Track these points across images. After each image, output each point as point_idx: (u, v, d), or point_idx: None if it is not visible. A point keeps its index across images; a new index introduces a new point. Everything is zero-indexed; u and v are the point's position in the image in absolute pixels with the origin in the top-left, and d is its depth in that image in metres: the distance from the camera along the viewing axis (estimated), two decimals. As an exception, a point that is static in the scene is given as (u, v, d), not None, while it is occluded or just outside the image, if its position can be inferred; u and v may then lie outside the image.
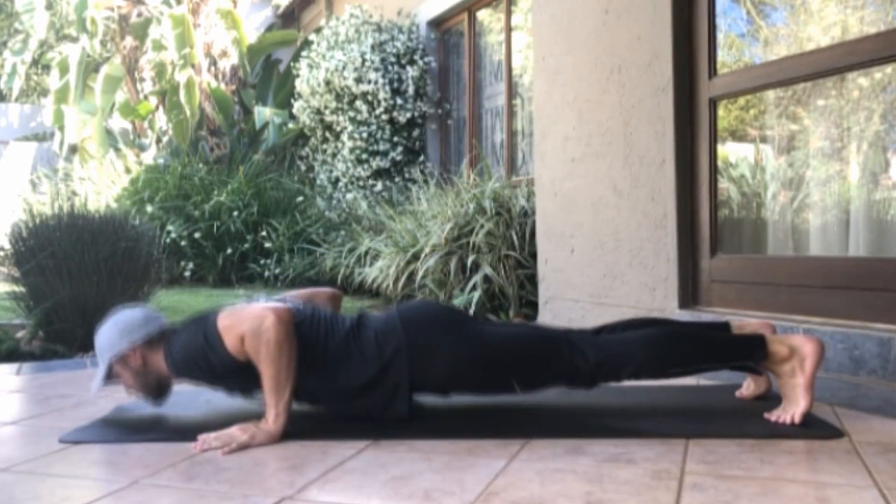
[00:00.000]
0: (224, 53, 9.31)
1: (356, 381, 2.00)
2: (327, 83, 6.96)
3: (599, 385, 2.07)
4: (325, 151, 7.58)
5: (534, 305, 4.29)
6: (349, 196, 6.93)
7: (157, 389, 2.15)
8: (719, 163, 3.25)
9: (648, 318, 2.34)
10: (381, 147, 6.83)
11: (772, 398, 2.18)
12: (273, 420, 1.89)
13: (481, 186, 4.84)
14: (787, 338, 2.00)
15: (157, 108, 9.69)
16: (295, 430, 1.94)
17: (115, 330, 2.11)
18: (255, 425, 1.89)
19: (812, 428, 1.88)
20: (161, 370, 2.09)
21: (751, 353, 2.01)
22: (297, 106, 7.61)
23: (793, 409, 1.93)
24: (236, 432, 1.87)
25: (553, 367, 2.04)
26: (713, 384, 2.46)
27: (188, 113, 8.51)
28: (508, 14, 5.87)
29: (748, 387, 2.26)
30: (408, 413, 2.02)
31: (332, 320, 2.09)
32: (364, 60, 6.67)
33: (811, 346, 1.94)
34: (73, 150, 9.86)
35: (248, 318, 1.90)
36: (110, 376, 2.12)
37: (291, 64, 8.92)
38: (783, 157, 3.32)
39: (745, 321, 2.23)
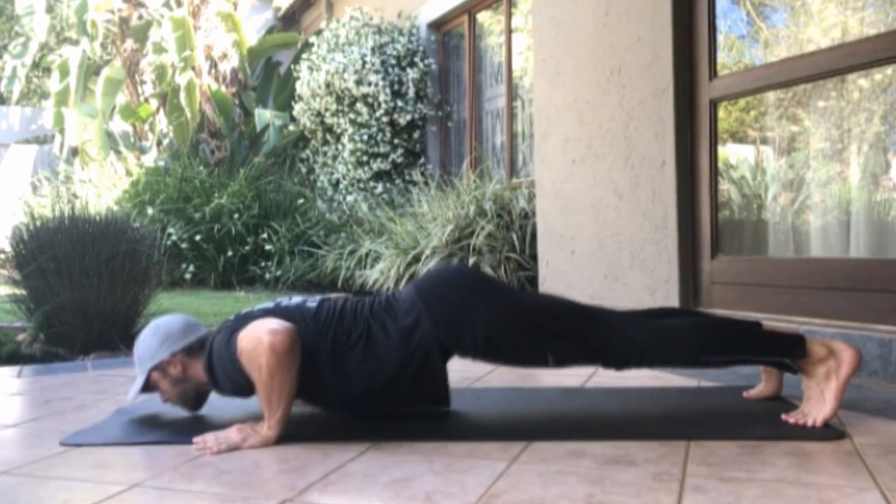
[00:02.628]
0: (224, 56, 9.32)
1: (386, 368, 1.95)
2: (328, 85, 6.97)
3: (632, 367, 2.02)
4: (325, 154, 7.59)
5: (534, 307, 4.28)
6: (350, 198, 6.94)
7: (195, 398, 2.13)
8: (720, 164, 3.25)
9: (682, 308, 2.28)
10: (382, 149, 6.84)
11: (779, 400, 2.18)
12: (268, 428, 1.89)
13: (482, 188, 4.84)
14: (827, 341, 1.97)
15: (157, 110, 9.70)
16: (296, 432, 1.94)
17: (156, 338, 2.09)
18: (251, 427, 1.89)
19: (814, 430, 1.88)
20: (199, 379, 2.06)
21: (790, 349, 1.96)
22: (298, 108, 7.62)
23: (816, 413, 1.91)
24: (232, 433, 1.88)
25: (590, 344, 1.98)
26: (714, 386, 2.46)
27: (189, 115, 8.52)
28: (509, 16, 5.87)
29: (758, 388, 2.24)
30: (446, 394, 1.99)
31: (347, 319, 2.02)
32: (364, 63, 6.68)
33: (850, 353, 1.92)
34: (74, 152, 9.87)
35: (249, 337, 1.86)
36: (148, 385, 2.10)
37: (292, 66, 8.93)
38: (784, 159, 3.32)
39: (774, 325, 2.18)
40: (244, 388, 1.95)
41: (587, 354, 2.01)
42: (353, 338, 1.98)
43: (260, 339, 1.83)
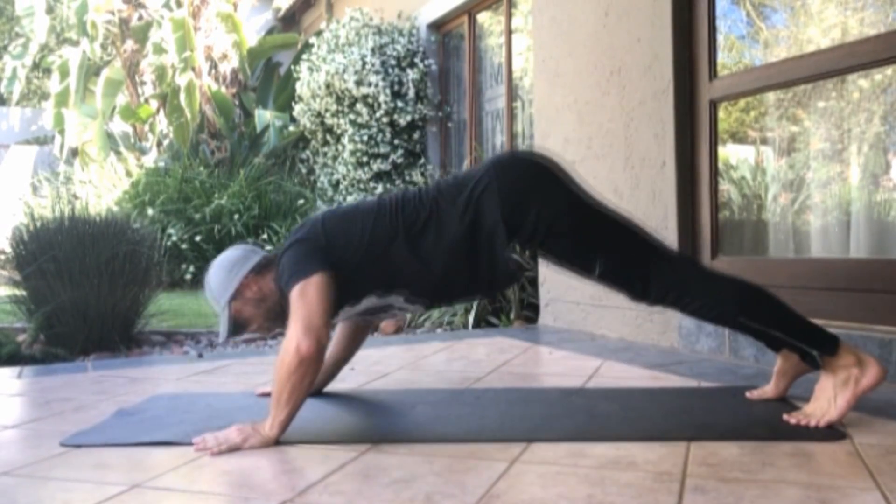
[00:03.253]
0: (224, 57, 9.33)
1: (458, 242, 1.97)
2: (328, 86, 6.97)
3: (667, 304, 2.00)
4: (325, 154, 7.59)
5: (535, 308, 4.29)
6: (350, 199, 6.94)
7: (284, 313, 2.08)
8: (720, 165, 3.25)
9: None
10: (382, 150, 6.84)
11: (780, 401, 2.18)
12: (269, 427, 1.89)
13: (482, 189, 4.83)
14: (859, 351, 1.96)
15: (157, 111, 9.71)
16: (296, 433, 1.94)
17: (223, 271, 2.10)
18: (252, 427, 1.90)
19: (815, 431, 1.88)
20: (277, 294, 2.06)
21: (823, 342, 1.96)
22: (298, 109, 7.62)
23: (820, 415, 1.91)
24: (232, 433, 1.88)
25: (641, 264, 1.98)
26: (715, 386, 2.46)
27: (189, 116, 8.52)
28: (508, 16, 5.87)
29: (761, 388, 2.24)
30: (512, 264, 2.00)
31: (411, 203, 2.03)
32: (364, 63, 6.68)
33: (876, 369, 1.91)
34: (74, 153, 9.87)
35: (296, 323, 1.86)
36: (234, 322, 2.10)
37: (292, 67, 8.93)
38: (784, 159, 3.32)
39: None
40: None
41: (634, 273, 1.99)
42: (422, 218, 2.00)
43: (291, 337, 1.85)
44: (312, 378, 1.89)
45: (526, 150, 2.09)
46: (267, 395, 2.39)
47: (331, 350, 2.37)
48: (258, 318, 2.11)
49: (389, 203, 2.06)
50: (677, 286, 1.97)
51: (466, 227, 1.98)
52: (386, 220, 2.02)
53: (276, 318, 2.11)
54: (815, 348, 1.97)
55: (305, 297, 1.90)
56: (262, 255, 2.14)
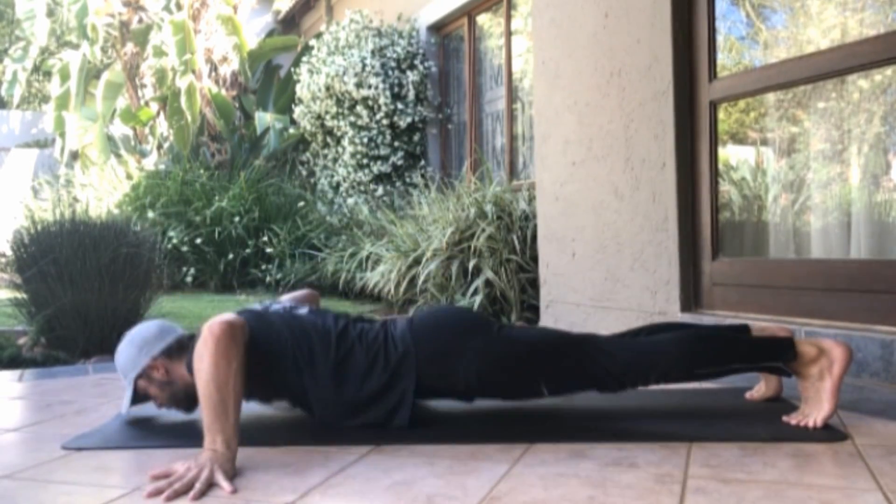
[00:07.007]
0: (225, 59, 9.33)
1: (364, 391, 1.97)
2: (328, 88, 6.97)
3: (628, 388, 2.03)
4: (325, 156, 7.59)
5: (535, 309, 4.29)
6: (350, 201, 6.94)
7: (186, 399, 2.09)
8: (720, 165, 3.25)
9: (670, 323, 2.30)
10: (382, 152, 6.85)
11: (780, 401, 2.18)
12: (223, 442, 1.67)
13: (482, 191, 4.84)
14: (816, 340, 1.98)
15: (158, 114, 9.71)
16: (296, 435, 1.94)
17: (133, 347, 2.11)
18: (203, 456, 1.66)
19: (815, 431, 1.88)
20: (185, 379, 2.04)
21: (780, 353, 1.98)
22: (298, 111, 7.63)
23: (815, 413, 1.92)
24: (188, 470, 1.62)
25: (581, 370, 2.00)
26: (716, 387, 2.46)
27: (189, 119, 8.53)
28: (508, 18, 5.88)
29: (758, 389, 2.25)
30: (409, 423, 1.98)
31: (342, 329, 2.03)
32: (364, 65, 6.68)
33: (840, 350, 1.92)
34: (75, 156, 9.88)
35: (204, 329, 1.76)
36: (137, 395, 2.11)
37: (292, 69, 8.94)
38: (784, 160, 3.32)
39: (763, 325, 2.20)
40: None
41: (582, 381, 2.03)
42: (331, 357, 1.98)
43: (204, 335, 1.74)
44: (240, 361, 1.74)
45: (439, 309, 2.15)
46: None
47: None
48: (162, 398, 2.12)
49: (338, 326, 2.03)
50: (627, 375, 2.00)
51: (388, 376, 1.97)
52: (328, 340, 1.98)
53: (180, 402, 2.11)
54: (777, 361, 2.01)
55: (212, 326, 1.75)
56: (177, 336, 2.13)
